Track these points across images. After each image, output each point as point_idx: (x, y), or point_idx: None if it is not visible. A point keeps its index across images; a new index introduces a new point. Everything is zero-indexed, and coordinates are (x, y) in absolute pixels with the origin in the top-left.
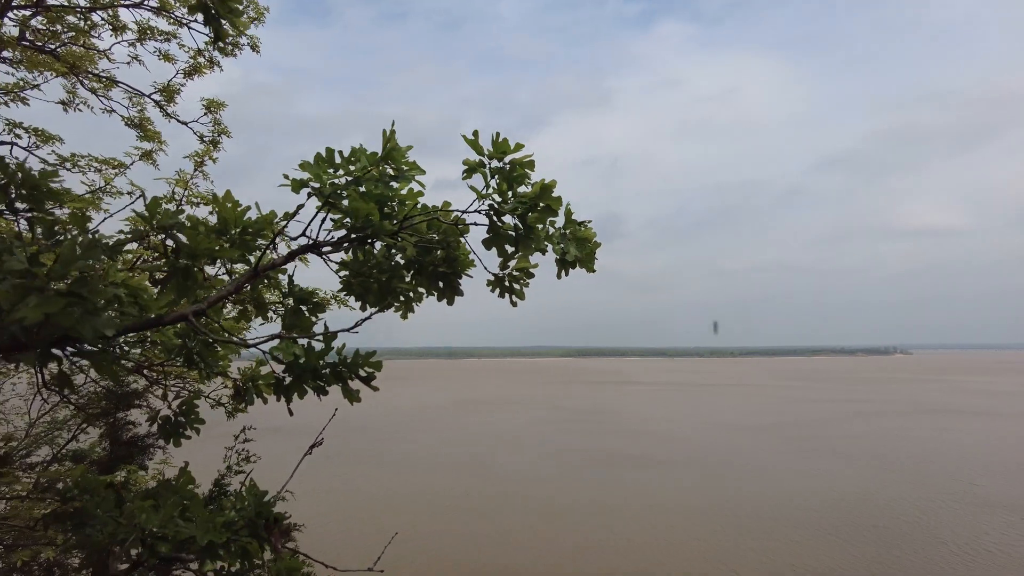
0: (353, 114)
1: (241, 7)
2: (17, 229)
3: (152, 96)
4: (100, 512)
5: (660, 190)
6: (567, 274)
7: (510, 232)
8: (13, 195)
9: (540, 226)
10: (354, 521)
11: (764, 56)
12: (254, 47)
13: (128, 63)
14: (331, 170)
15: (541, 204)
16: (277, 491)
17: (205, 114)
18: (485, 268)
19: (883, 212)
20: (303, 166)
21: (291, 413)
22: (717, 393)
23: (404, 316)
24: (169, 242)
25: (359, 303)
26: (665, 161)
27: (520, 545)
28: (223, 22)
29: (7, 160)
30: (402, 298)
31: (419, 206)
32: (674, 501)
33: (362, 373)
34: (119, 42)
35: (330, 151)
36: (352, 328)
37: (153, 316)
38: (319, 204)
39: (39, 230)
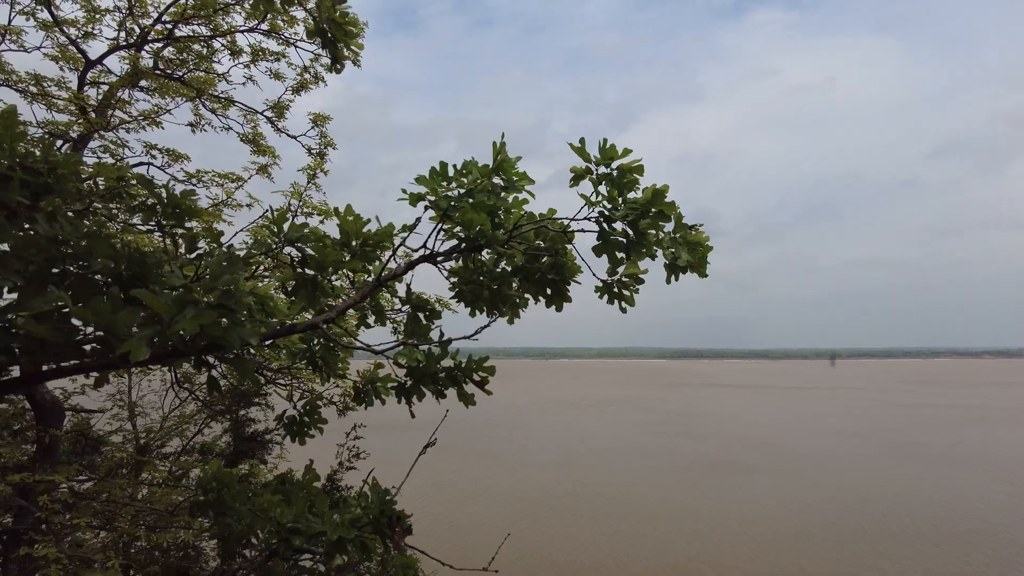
0: (445, 120)
1: (355, 30)
2: (162, 244)
3: (264, 113)
4: (237, 504)
5: (757, 184)
6: (677, 279)
7: (620, 239)
8: (160, 214)
9: (652, 232)
10: (455, 517)
11: (867, 39)
12: (355, 62)
13: (244, 83)
14: (444, 183)
15: (653, 210)
16: (395, 489)
17: (312, 127)
18: (594, 275)
19: (1005, 201)
20: (420, 180)
21: (413, 415)
22: (819, 398)
23: (510, 321)
24: (295, 253)
25: (468, 308)
26: (762, 155)
27: (614, 547)
28: (339, 45)
29: (155, 184)
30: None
31: (525, 214)
32: (774, 507)
33: (476, 377)
34: (235, 64)
35: (444, 165)
36: (473, 335)
37: (288, 324)
38: (434, 216)
39: (181, 245)
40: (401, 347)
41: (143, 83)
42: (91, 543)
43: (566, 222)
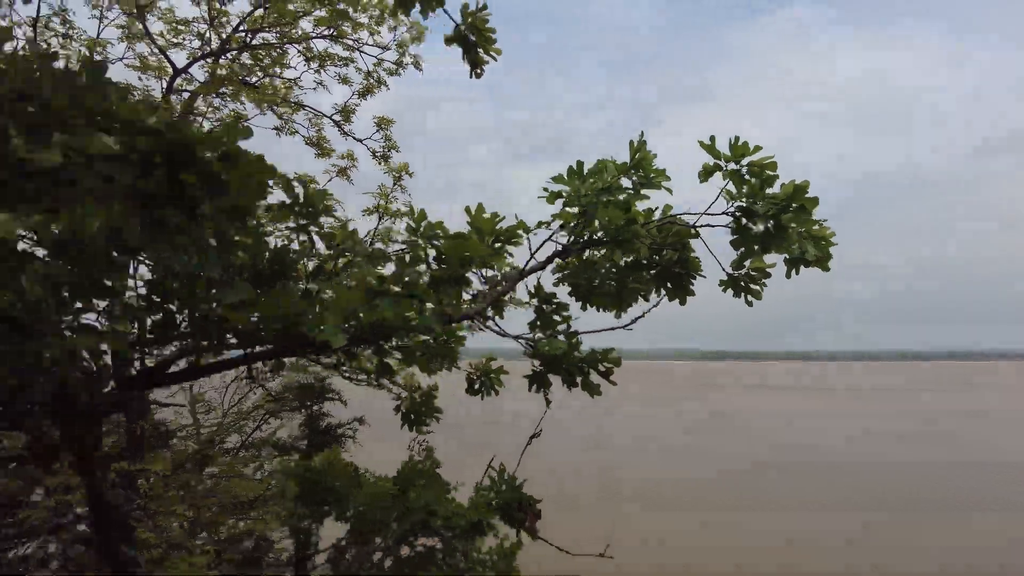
0: (476, 121)
1: (495, 35)
2: (302, 240)
3: (333, 116)
4: (353, 491)
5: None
6: (797, 272)
7: (758, 232)
8: (297, 213)
9: (793, 226)
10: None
11: (913, 31)
12: (417, 65)
13: (315, 88)
14: (579, 181)
15: (794, 204)
16: (511, 475)
17: (377, 130)
18: (723, 268)
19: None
20: (557, 179)
21: (549, 403)
22: (865, 399)
23: (617, 315)
24: (429, 249)
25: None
26: (798, 153)
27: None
28: (479, 50)
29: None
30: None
31: (643, 210)
32: (839, 514)
33: (601, 368)
34: (307, 70)
35: (580, 164)
36: (628, 325)
37: (448, 314)
38: (558, 213)
39: (319, 241)
40: (541, 338)
41: (222, 90)
42: (175, 531)
43: (694, 217)
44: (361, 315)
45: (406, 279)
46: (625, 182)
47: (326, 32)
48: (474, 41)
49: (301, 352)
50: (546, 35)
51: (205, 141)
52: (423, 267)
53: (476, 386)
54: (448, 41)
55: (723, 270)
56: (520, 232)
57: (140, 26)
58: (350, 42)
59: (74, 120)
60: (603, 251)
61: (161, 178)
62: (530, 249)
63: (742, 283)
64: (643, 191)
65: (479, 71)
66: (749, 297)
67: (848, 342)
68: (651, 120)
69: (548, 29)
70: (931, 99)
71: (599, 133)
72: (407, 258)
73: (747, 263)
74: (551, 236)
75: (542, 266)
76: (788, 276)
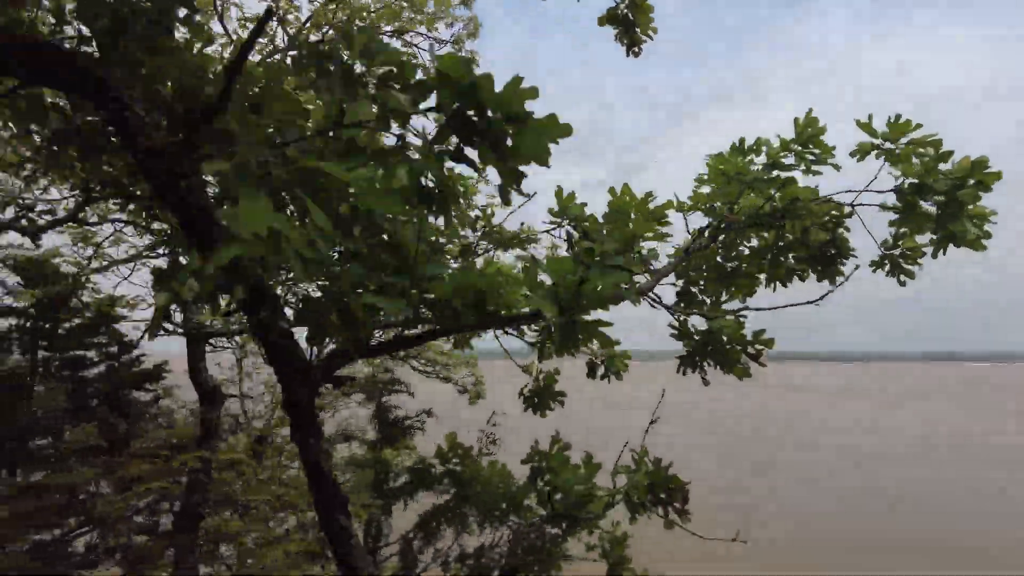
0: None
1: (652, 16)
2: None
3: None
4: (482, 475)
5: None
6: (944, 253)
7: (922, 209)
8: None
9: (971, 203)
10: None
11: (942, 24)
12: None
13: None
14: (741, 158)
15: (972, 180)
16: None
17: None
18: (879, 247)
19: None
20: (716, 158)
21: (707, 382)
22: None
23: (743, 300)
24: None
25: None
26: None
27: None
28: (637, 29)
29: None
30: (745, 278)
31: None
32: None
33: (751, 350)
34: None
35: (742, 140)
36: (816, 301)
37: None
38: (702, 193)
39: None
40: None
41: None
42: (231, 522)
43: (831, 198)
44: (572, 286)
45: (613, 250)
46: (785, 159)
47: (387, 28)
48: (632, 20)
49: (509, 323)
50: (591, 34)
51: (492, 102)
52: (615, 243)
53: (599, 371)
54: (602, 21)
55: (878, 249)
56: (668, 212)
57: (221, 27)
58: (409, 38)
59: (369, 80)
60: (730, 234)
61: (449, 135)
62: (688, 230)
63: (896, 262)
64: (814, 167)
65: (637, 50)
66: (902, 277)
67: (875, 342)
68: (684, 117)
69: (562, 24)
70: (957, 91)
71: (632, 130)
72: (604, 232)
73: (901, 243)
74: (721, 221)
75: (706, 244)
76: (935, 256)
